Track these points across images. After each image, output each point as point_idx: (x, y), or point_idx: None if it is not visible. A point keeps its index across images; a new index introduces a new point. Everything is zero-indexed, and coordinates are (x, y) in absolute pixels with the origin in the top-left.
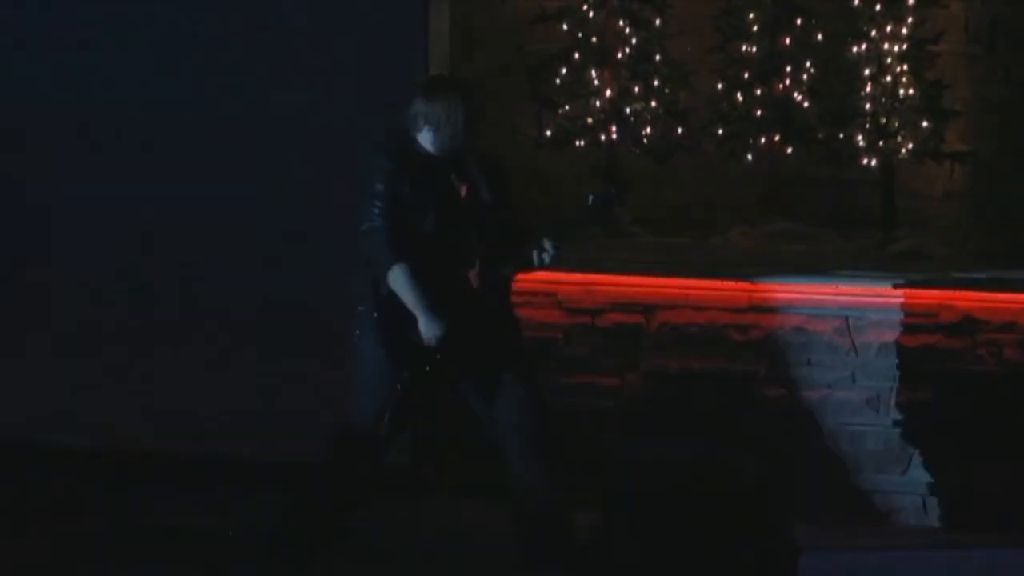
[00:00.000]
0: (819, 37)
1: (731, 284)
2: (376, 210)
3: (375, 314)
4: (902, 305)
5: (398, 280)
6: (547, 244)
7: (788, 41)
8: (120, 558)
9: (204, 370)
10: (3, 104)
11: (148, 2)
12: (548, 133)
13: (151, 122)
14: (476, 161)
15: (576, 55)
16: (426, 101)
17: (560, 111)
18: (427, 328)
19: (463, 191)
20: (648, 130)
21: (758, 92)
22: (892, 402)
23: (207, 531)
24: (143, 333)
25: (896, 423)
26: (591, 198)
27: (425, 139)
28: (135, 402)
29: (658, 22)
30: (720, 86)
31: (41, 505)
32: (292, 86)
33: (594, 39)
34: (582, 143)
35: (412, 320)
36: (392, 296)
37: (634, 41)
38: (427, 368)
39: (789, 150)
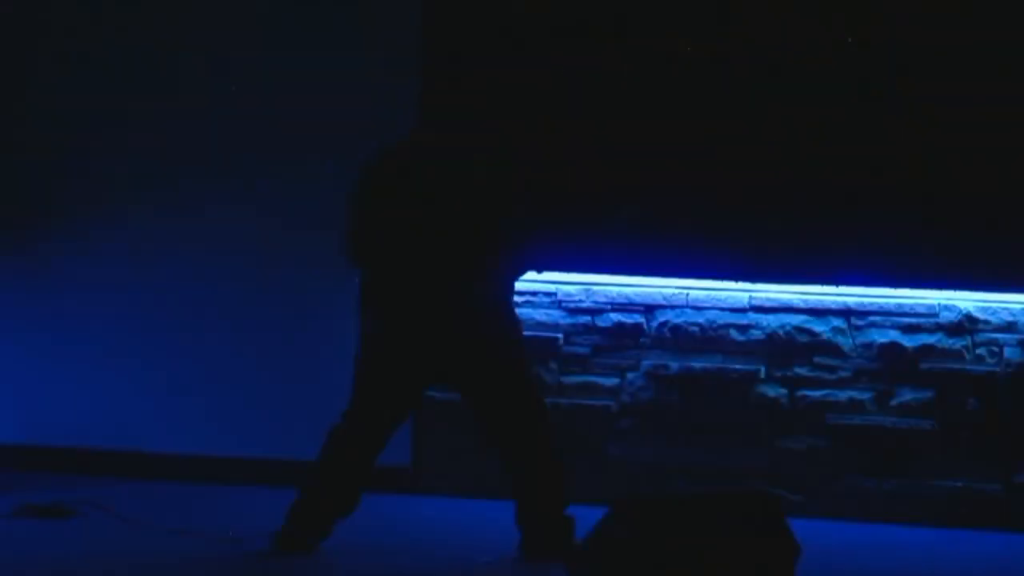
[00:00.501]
0: None
1: (731, 284)
2: None
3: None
4: (902, 305)
5: None
6: None
7: None
8: (120, 558)
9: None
10: None
11: None
12: None
13: None
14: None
15: None
16: None
17: None
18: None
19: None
20: None
21: None
22: (892, 402)
23: (207, 531)
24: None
25: (896, 423)
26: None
27: None
28: (141, 403)
29: None
30: None
31: (41, 505)
32: None
33: None
34: None
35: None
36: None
37: None
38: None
39: None
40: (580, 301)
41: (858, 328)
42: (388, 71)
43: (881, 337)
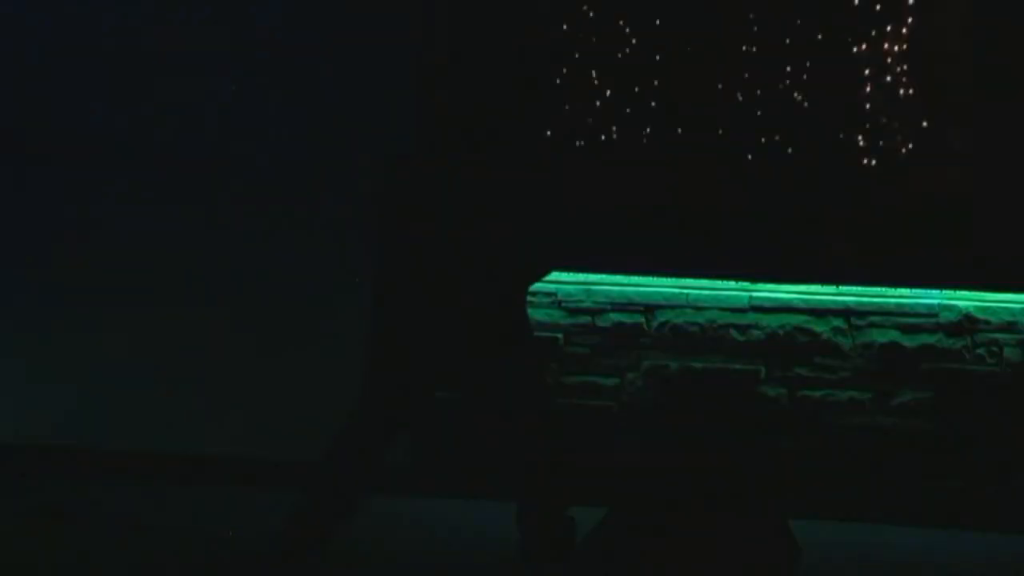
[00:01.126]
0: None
1: (731, 284)
2: None
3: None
4: (902, 305)
5: None
6: None
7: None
8: (120, 558)
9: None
10: None
11: None
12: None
13: None
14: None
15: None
16: None
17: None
18: None
19: None
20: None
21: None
22: (892, 402)
23: (207, 531)
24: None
25: (896, 423)
26: None
27: None
28: (142, 403)
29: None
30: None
31: (41, 505)
32: None
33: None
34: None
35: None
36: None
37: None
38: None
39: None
40: (580, 301)
41: (858, 328)
42: (388, 71)
43: (881, 337)
